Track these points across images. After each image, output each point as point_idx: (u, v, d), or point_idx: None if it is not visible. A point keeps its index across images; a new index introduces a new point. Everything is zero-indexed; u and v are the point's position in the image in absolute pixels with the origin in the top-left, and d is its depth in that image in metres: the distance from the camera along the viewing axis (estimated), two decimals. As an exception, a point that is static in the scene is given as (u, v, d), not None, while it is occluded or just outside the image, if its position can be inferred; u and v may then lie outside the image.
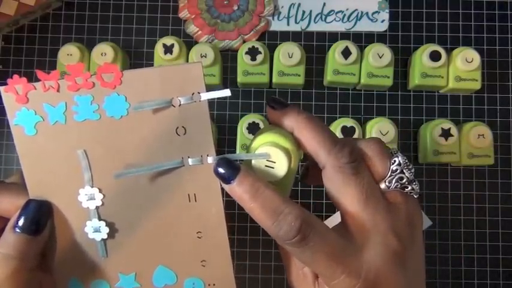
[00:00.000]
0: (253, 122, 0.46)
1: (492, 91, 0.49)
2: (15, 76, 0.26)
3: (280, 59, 0.46)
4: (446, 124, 0.46)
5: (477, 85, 0.47)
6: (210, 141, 0.26)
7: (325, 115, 0.49)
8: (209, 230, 0.28)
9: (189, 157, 0.26)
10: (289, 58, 0.46)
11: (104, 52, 0.46)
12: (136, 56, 0.50)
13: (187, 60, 0.47)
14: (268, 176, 0.27)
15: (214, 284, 0.29)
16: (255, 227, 0.48)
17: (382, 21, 0.50)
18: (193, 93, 0.26)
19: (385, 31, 0.50)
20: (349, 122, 0.46)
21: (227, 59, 0.49)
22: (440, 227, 0.48)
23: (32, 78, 0.51)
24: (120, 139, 0.26)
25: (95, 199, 0.27)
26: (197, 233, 0.28)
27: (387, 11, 0.50)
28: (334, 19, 0.50)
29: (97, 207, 0.27)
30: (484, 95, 0.49)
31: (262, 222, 0.26)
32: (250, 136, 0.46)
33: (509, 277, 0.48)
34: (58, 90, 0.26)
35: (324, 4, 0.50)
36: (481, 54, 0.47)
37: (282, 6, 0.50)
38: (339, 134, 0.46)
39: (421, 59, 0.46)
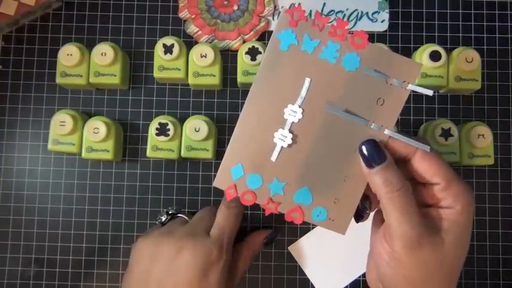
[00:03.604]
0: (253, 122, 0.46)
1: (492, 91, 0.49)
2: (299, 7, 0.33)
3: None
4: (446, 124, 0.46)
5: (477, 85, 0.47)
6: (394, 119, 0.34)
7: (325, 115, 0.49)
8: (353, 179, 0.34)
9: (373, 122, 0.34)
10: (289, 58, 0.46)
11: (104, 52, 0.46)
12: (137, 56, 0.50)
13: (187, 60, 0.47)
14: None
15: (333, 220, 0.35)
16: (255, 227, 0.48)
17: (382, 21, 0.50)
18: (404, 81, 0.33)
19: (385, 31, 0.50)
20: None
21: (227, 59, 0.49)
22: (440, 227, 0.48)
23: (32, 78, 0.51)
24: (338, 84, 0.34)
25: (295, 115, 0.34)
26: (345, 176, 0.34)
27: (387, 11, 0.50)
28: (334, 19, 0.50)
29: (293, 122, 0.34)
30: (484, 95, 0.49)
31: (388, 214, 0.32)
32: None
33: (509, 277, 0.48)
34: (321, 30, 0.33)
35: (324, 4, 0.50)
36: (481, 54, 0.47)
37: (282, 6, 0.50)
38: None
39: (421, 59, 0.46)
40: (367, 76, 0.34)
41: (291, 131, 0.34)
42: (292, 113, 0.34)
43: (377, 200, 0.34)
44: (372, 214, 0.37)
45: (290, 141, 0.34)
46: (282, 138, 0.34)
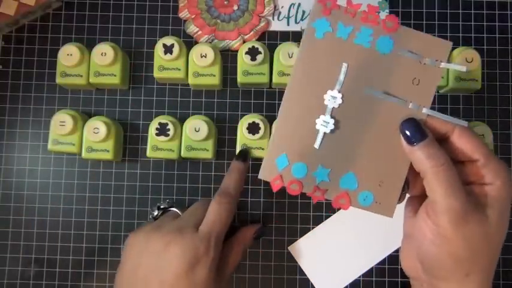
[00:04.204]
0: (253, 122, 0.46)
1: (492, 91, 0.49)
2: None
3: (280, 59, 0.46)
4: (447, 124, 0.46)
5: (477, 85, 0.47)
6: (430, 98, 0.34)
7: (325, 115, 0.49)
8: (396, 160, 0.35)
9: (411, 102, 0.34)
10: (289, 58, 0.46)
11: (104, 52, 0.46)
12: (137, 56, 0.50)
13: (187, 60, 0.47)
14: None
15: (380, 203, 0.35)
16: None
17: (382, 21, 0.50)
18: (436, 60, 0.34)
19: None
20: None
21: (227, 59, 0.49)
22: (440, 227, 0.48)
23: (32, 78, 0.51)
24: (374, 67, 0.34)
25: (335, 101, 0.34)
26: (388, 158, 0.35)
27: (387, 11, 0.50)
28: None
29: (333, 108, 0.34)
30: (484, 95, 0.49)
31: (433, 190, 0.32)
32: (250, 136, 0.45)
33: (509, 277, 0.48)
34: (353, 16, 0.35)
35: (324, 4, 0.50)
36: (481, 54, 0.47)
37: (282, 6, 0.50)
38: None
39: (421, 59, 0.46)
40: (401, 57, 0.34)
41: (332, 117, 0.34)
42: (332, 99, 0.34)
43: (415, 182, 0.35)
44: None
45: (332, 127, 0.34)
46: (324, 124, 0.34)
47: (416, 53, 0.34)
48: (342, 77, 0.34)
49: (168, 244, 0.38)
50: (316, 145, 0.35)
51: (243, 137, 0.46)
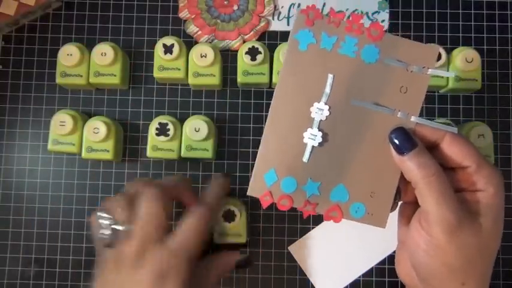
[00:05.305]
0: (253, 122, 0.46)
1: (492, 91, 0.49)
2: (313, 5, 0.34)
3: (280, 59, 0.46)
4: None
5: (477, 85, 0.47)
6: (419, 106, 0.34)
7: (325, 115, 0.49)
8: (387, 170, 0.34)
9: (399, 110, 0.34)
10: (289, 58, 0.46)
11: (104, 52, 0.46)
12: (137, 56, 0.50)
13: (187, 60, 0.47)
14: None
15: (372, 214, 0.35)
16: (255, 227, 0.48)
17: (382, 21, 0.50)
18: (423, 67, 0.34)
19: (385, 31, 0.50)
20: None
21: (227, 59, 0.49)
22: (440, 227, 0.48)
23: (32, 78, 0.51)
24: (360, 77, 0.34)
25: (322, 113, 0.34)
26: (378, 168, 0.34)
27: (387, 11, 0.50)
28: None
29: (321, 120, 0.34)
30: (484, 95, 0.49)
31: (425, 200, 0.32)
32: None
33: (509, 277, 0.48)
34: (337, 26, 0.34)
35: (324, 4, 0.50)
36: (481, 54, 0.47)
37: (282, 6, 0.50)
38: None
39: (421, 59, 0.46)
40: (387, 66, 0.34)
41: (320, 129, 0.34)
42: (319, 111, 0.34)
43: (406, 189, 0.34)
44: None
45: (320, 140, 0.34)
46: (312, 137, 0.34)
47: (402, 61, 0.34)
48: (328, 88, 0.34)
49: (135, 272, 0.35)
50: (305, 159, 0.34)
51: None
